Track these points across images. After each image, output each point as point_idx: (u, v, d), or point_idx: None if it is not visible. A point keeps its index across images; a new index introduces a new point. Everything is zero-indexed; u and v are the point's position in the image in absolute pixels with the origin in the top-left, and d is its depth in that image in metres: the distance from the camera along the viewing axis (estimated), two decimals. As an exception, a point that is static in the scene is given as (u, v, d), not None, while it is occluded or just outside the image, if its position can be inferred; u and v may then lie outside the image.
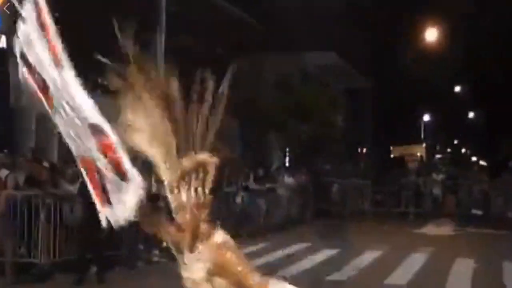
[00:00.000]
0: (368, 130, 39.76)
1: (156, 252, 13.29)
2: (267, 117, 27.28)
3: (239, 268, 2.85)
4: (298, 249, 15.69)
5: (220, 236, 3.01)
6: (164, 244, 3.33)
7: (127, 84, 3.14)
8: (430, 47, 32.66)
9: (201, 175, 3.17)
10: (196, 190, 3.17)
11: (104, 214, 3.09)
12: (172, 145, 3.23)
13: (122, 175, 3.24)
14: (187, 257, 3.02)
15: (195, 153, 3.22)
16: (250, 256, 13.89)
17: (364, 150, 42.18)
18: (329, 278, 12.24)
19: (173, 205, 3.24)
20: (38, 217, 11.18)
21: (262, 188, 19.36)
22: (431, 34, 31.38)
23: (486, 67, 39.17)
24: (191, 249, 3.15)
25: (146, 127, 3.23)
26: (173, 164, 3.22)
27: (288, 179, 21.66)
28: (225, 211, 16.57)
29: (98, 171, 3.28)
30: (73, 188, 11.78)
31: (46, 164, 13.03)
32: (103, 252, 11.65)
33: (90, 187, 3.22)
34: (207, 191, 3.21)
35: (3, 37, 15.76)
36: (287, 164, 29.89)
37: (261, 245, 15.85)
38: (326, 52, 29.48)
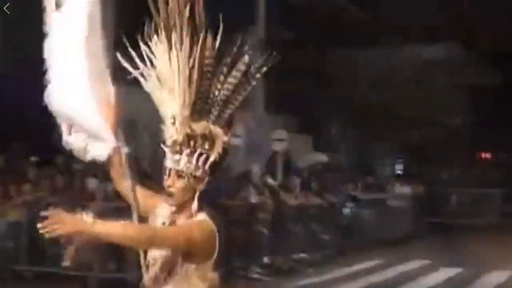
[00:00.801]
0: (494, 133, 38.52)
1: (258, 269, 13.36)
2: (376, 120, 26.97)
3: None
4: (413, 267, 15.37)
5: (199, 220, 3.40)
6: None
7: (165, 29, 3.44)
8: None
9: (206, 146, 3.39)
10: (197, 159, 3.39)
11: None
12: (188, 103, 3.43)
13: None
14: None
15: (211, 121, 3.47)
16: (361, 274, 13.86)
17: (489, 155, 40.98)
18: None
19: (169, 164, 3.42)
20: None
21: (372, 198, 19.15)
22: None
23: None
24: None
25: (170, 77, 3.46)
26: (183, 122, 3.42)
27: (400, 189, 21.34)
28: (331, 223, 16.50)
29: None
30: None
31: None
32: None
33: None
34: (207, 165, 3.41)
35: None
36: (398, 172, 29.49)
37: (372, 262, 15.63)
38: (445, 43, 28.72)
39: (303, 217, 15.36)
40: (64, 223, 3.13)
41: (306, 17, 25.04)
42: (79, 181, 12.84)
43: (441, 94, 27.74)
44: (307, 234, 15.44)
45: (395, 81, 27.33)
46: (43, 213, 3.19)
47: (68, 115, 3.66)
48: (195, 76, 3.40)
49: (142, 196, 3.65)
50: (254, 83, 3.64)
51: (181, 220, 3.45)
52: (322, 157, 23.22)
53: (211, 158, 3.42)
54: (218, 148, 3.44)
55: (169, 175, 3.41)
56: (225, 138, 3.48)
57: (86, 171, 12.51)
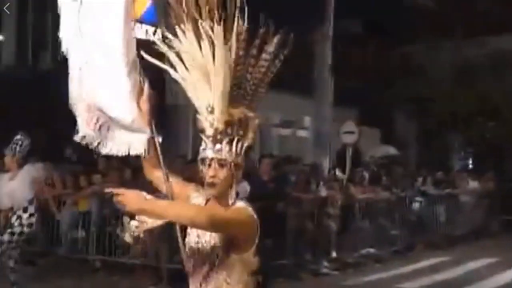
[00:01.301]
0: None
1: (325, 263, 13.32)
2: (448, 112, 26.59)
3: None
4: (482, 265, 15.07)
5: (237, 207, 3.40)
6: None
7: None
8: None
9: (241, 132, 3.41)
10: (236, 146, 3.40)
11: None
12: (225, 90, 3.39)
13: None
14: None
15: (244, 106, 3.44)
16: (428, 270, 13.67)
17: None
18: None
19: (210, 154, 3.39)
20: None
21: (442, 193, 18.87)
22: None
23: None
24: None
25: (203, 65, 3.41)
26: (222, 110, 3.39)
27: (472, 184, 20.95)
28: (400, 218, 16.32)
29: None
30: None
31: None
32: (267, 261, 11.79)
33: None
34: (243, 150, 3.41)
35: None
36: (470, 167, 29.00)
37: (440, 259, 15.41)
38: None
39: (371, 211, 15.23)
40: (128, 200, 3.21)
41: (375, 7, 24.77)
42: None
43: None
44: (375, 228, 15.31)
45: (467, 74, 26.86)
46: (108, 190, 3.32)
47: (99, 105, 3.66)
48: (231, 63, 3.37)
49: (174, 185, 3.66)
50: (279, 64, 3.51)
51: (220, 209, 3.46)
52: (391, 150, 23.02)
53: (246, 143, 3.43)
54: (252, 132, 3.45)
55: (209, 165, 3.40)
56: (257, 121, 3.49)
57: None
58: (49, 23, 17.43)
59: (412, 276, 13.32)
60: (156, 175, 3.67)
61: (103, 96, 3.61)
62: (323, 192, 13.72)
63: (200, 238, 3.49)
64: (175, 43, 3.46)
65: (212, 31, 3.34)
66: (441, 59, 27.07)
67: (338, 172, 16.33)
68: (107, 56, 3.58)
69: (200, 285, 3.51)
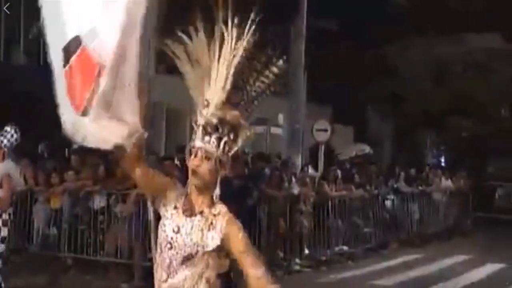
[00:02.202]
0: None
1: (298, 260, 13.38)
2: (421, 110, 26.75)
3: (241, 249, 3.46)
4: (456, 261, 15.27)
5: (227, 213, 3.53)
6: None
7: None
8: None
9: (231, 136, 3.53)
10: (224, 145, 3.52)
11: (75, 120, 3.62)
12: (226, 88, 3.52)
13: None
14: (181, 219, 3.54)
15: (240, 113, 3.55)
16: (402, 267, 13.82)
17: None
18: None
19: (198, 143, 3.50)
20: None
21: (415, 191, 19.00)
22: None
23: None
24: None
25: (208, 61, 3.55)
26: (218, 106, 3.52)
27: (445, 182, 21.12)
28: (373, 216, 16.42)
29: (100, 71, 3.59)
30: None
31: (177, 162, 13.41)
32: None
33: (65, 79, 3.63)
34: (230, 152, 3.54)
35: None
36: (443, 165, 29.22)
37: (414, 256, 15.58)
38: (491, 34, 28.26)
39: (344, 209, 15.30)
40: None
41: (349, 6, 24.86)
42: (121, 169, 12.92)
43: (494, 85, 27.37)
44: (349, 226, 15.40)
45: (442, 72, 27.06)
46: None
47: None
48: (236, 63, 3.52)
49: (154, 180, 3.70)
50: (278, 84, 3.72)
51: (201, 206, 3.55)
52: (365, 148, 23.11)
53: (234, 148, 3.54)
54: (241, 140, 3.56)
55: (195, 155, 3.51)
56: (249, 133, 3.60)
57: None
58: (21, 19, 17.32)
59: (386, 274, 13.42)
60: (137, 170, 3.67)
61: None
62: (296, 189, 13.76)
63: (189, 236, 3.54)
64: (185, 39, 3.59)
65: (223, 35, 3.50)
66: (415, 58, 27.23)
67: (310, 170, 16.38)
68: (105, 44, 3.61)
69: (168, 276, 3.57)
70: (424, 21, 26.40)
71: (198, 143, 3.51)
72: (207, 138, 3.49)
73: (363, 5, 24.61)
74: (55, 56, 3.77)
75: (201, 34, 3.54)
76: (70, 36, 3.71)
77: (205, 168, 3.48)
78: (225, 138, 3.50)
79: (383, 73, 26.88)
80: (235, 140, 3.54)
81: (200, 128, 3.51)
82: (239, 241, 3.51)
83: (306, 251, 13.83)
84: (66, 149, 14.05)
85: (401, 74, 27.34)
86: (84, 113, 3.62)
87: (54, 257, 12.18)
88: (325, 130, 18.83)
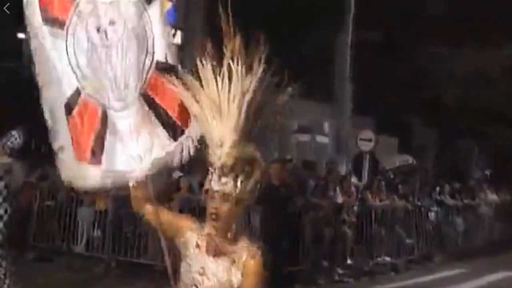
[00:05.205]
0: None
1: (340, 270, 13.28)
2: (465, 122, 26.45)
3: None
4: (500, 278, 14.97)
5: (250, 247, 3.45)
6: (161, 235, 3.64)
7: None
8: None
9: (247, 169, 3.40)
10: (241, 182, 3.40)
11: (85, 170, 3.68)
12: (238, 127, 3.41)
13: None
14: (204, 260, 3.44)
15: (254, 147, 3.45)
16: (445, 281, 13.60)
17: None
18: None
19: (216, 187, 3.39)
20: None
21: (459, 203, 18.76)
22: None
23: None
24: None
25: (218, 100, 3.43)
26: (232, 145, 3.39)
27: (491, 195, 20.83)
28: (416, 227, 16.24)
29: (105, 118, 3.68)
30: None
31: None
32: (284, 266, 11.74)
33: (68, 131, 3.65)
34: (248, 187, 3.42)
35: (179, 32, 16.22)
36: (488, 177, 28.82)
37: (458, 270, 15.36)
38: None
39: (388, 220, 15.18)
40: None
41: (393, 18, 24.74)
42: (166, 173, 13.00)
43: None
44: (392, 237, 15.26)
45: (487, 81, 26.73)
46: None
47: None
48: (247, 101, 3.41)
49: (167, 218, 3.64)
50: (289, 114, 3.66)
51: (224, 245, 3.46)
52: (408, 159, 22.91)
53: (251, 183, 3.43)
54: (257, 173, 3.45)
55: (212, 197, 3.42)
56: (263, 165, 3.51)
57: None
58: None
59: (429, 287, 13.28)
60: (146, 208, 3.65)
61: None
62: (339, 199, 13.70)
63: (215, 277, 3.48)
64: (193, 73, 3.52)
65: (231, 70, 3.39)
66: (456, 68, 26.96)
67: (354, 180, 16.29)
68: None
69: None
70: (464, 30, 26.09)
71: (215, 186, 3.40)
72: (224, 179, 3.38)
73: (405, 17, 24.49)
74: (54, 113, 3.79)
75: (209, 68, 3.45)
76: (69, 92, 3.75)
77: (224, 210, 3.39)
78: (241, 176, 3.40)
79: (427, 84, 26.65)
80: (252, 172, 3.43)
81: (217, 171, 3.41)
82: (250, 280, 3.45)
83: (349, 261, 13.74)
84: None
85: (445, 84, 27.08)
86: (89, 163, 3.71)
87: (98, 259, 12.29)
88: (369, 140, 18.74)
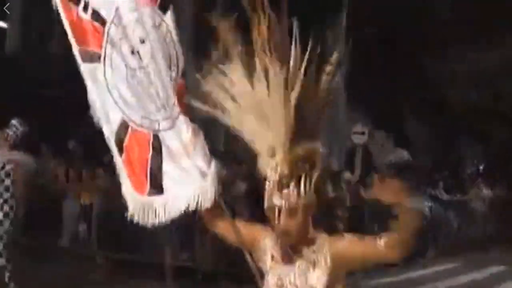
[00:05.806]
0: None
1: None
2: (463, 119, 26.45)
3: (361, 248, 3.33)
4: (493, 272, 14.94)
5: (327, 238, 3.29)
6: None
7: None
8: None
9: (307, 166, 3.04)
10: (304, 185, 3.05)
11: (147, 201, 3.40)
12: (287, 130, 3.04)
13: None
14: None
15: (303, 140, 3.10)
16: (438, 276, 13.50)
17: None
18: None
19: (278, 202, 3.04)
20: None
21: (453, 199, 18.65)
22: None
23: None
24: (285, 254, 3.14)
25: (258, 105, 3.08)
26: (285, 151, 3.03)
27: (485, 191, 20.74)
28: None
29: (157, 142, 3.43)
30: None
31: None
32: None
33: (124, 167, 3.43)
34: (312, 185, 3.07)
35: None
36: (481, 172, 28.78)
37: (450, 265, 15.28)
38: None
39: (381, 214, 15.01)
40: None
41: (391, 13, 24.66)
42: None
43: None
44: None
45: (483, 79, 26.70)
46: None
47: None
48: (292, 100, 3.05)
49: (243, 231, 3.31)
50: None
51: (298, 249, 3.17)
52: (403, 154, 22.79)
53: (315, 177, 3.10)
54: (318, 163, 3.12)
55: (279, 214, 3.05)
56: (322, 150, 3.19)
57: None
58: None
59: (422, 282, 13.21)
60: (220, 225, 3.33)
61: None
62: (331, 193, 13.50)
63: (293, 285, 3.18)
64: (221, 80, 3.18)
65: (264, 63, 3.05)
66: (455, 64, 26.92)
67: (347, 174, 16.14)
68: None
69: None
70: (465, 27, 26.04)
71: (277, 201, 3.04)
72: (285, 191, 3.03)
73: (404, 12, 24.42)
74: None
75: (240, 68, 3.11)
76: (115, 124, 3.52)
77: (293, 225, 3.06)
78: (303, 179, 3.06)
79: (425, 80, 26.62)
80: (312, 167, 3.10)
81: (275, 184, 3.05)
82: (349, 242, 3.35)
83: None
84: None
85: (442, 81, 27.05)
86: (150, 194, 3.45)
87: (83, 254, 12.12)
88: (362, 133, 18.59)
